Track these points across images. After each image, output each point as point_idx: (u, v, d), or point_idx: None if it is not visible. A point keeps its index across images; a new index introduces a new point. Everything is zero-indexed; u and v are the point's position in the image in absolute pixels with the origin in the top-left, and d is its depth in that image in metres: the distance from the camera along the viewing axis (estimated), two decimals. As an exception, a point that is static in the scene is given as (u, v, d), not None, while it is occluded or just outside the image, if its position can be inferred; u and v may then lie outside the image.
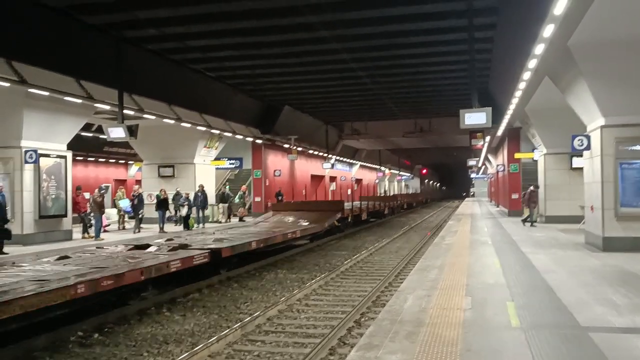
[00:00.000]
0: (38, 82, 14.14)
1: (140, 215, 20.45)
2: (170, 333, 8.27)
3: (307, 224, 20.50)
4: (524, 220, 21.38)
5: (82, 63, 15.47)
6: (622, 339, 5.75)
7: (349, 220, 25.97)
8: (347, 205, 27.49)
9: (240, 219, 26.34)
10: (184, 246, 12.92)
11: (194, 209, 22.65)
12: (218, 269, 12.81)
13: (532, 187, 21.07)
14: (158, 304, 10.09)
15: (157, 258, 11.07)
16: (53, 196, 17.03)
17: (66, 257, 11.21)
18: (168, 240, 14.76)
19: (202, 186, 23.48)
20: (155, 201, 22.19)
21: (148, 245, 12.99)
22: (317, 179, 44.95)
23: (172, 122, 20.62)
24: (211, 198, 25.99)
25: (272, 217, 23.74)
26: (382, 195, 57.69)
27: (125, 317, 9.16)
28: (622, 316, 6.65)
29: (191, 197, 22.65)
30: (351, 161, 52.22)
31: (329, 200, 37.42)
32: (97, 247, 13.65)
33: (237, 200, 27.81)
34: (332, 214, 23.06)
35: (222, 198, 26.74)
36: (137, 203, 20.46)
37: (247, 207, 28.76)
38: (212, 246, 12.99)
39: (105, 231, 19.56)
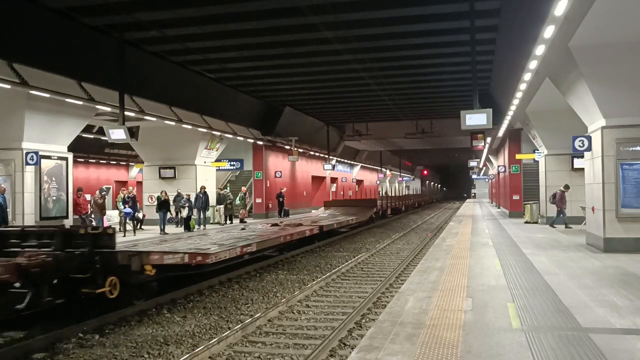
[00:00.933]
0: (39, 83, 14.16)
1: (133, 216, 20.54)
2: (170, 334, 8.26)
3: (355, 216, 27.25)
4: (552, 224, 20.61)
5: (83, 65, 15.50)
6: (623, 341, 5.73)
7: (380, 213, 34.67)
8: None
9: (242, 221, 26.33)
10: (300, 224, 20.62)
11: (195, 211, 22.65)
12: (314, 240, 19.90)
13: (561, 188, 20.52)
14: (158, 305, 10.09)
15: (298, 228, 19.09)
16: (54, 198, 17.05)
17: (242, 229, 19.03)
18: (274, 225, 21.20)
19: (203, 187, 23.47)
20: (156, 203, 22.18)
21: (277, 224, 21.21)
22: (318, 180, 44.95)
23: (173, 123, 20.63)
24: (212, 199, 26.00)
25: (327, 211, 31.11)
26: (394, 195, 60.86)
27: (126, 318, 9.16)
28: (623, 317, 6.64)
29: (192, 199, 22.63)
30: (352, 162, 52.22)
31: (366, 198, 43.74)
32: (241, 229, 19.32)
33: (238, 201, 27.81)
34: (370, 209, 30.96)
35: (218, 199, 26.74)
36: (132, 205, 20.48)
37: (247, 208, 28.75)
38: (321, 223, 21.06)
39: None
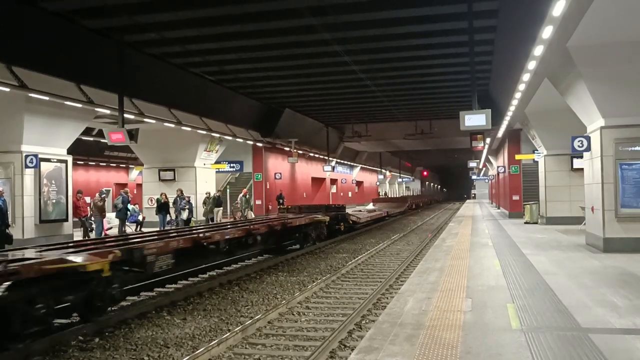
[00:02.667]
0: (38, 86, 14.18)
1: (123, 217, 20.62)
2: (170, 337, 8.26)
3: (396, 209, 41.38)
4: None
5: (82, 67, 15.52)
6: (622, 340, 5.74)
7: (410, 207, 48.13)
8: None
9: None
10: (374, 211, 32.49)
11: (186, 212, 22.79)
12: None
13: None
14: (158, 307, 10.09)
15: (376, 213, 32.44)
16: (53, 201, 17.07)
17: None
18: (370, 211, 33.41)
19: (209, 193, 23.95)
20: (155, 205, 22.19)
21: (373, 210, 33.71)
22: (318, 181, 44.98)
23: (173, 125, 20.65)
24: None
25: (375, 205, 42.93)
26: (414, 195, 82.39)
27: (126, 320, 9.16)
28: (623, 317, 6.65)
29: (193, 201, 22.67)
30: (352, 164, 52.25)
31: (401, 196, 66.44)
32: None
33: (244, 204, 27.90)
34: (404, 204, 46.33)
35: (217, 202, 26.75)
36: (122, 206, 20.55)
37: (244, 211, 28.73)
38: (386, 211, 33.41)
39: (106, 235, 19.57)
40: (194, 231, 13.79)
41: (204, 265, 13.69)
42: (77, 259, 8.19)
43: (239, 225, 16.13)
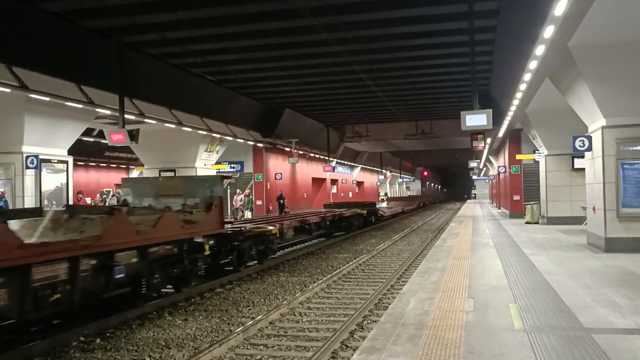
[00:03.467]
0: (39, 87, 14.15)
1: None
2: (172, 337, 8.25)
3: (409, 206, 49.46)
4: None
5: (82, 68, 15.50)
6: (625, 340, 5.73)
7: (420, 205, 57.71)
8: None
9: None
10: (391, 207, 42.61)
11: None
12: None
13: None
14: (159, 308, 10.07)
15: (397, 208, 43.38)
16: (54, 202, 17.02)
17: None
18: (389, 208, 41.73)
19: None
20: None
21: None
22: (318, 181, 44.96)
23: (173, 126, 20.63)
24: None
25: (390, 203, 51.24)
26: (421, 195, 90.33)
27: (127, 321, 9.14)
28: (625, 317, 6.63)
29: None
30: (352, 164, 52.24)
31: (413, 196, 79.84)
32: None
33: (247, 204, 27.87)
34: (415, 202, 55.40)
35: None
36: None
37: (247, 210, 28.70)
38: (402, 207, 45.22)
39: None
40: (298, 216, 21.56)
41: (302, 238, 20.85)
42: (269, 227, 15.11)
43: (317, 214, 23.25)
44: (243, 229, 13.87)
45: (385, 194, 71.45)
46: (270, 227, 15.10)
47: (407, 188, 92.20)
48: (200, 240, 11.30)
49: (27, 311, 7.06)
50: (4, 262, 6.46)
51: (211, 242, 11.77)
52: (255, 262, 14.56)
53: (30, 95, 14.24)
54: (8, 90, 13.36)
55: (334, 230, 23.85)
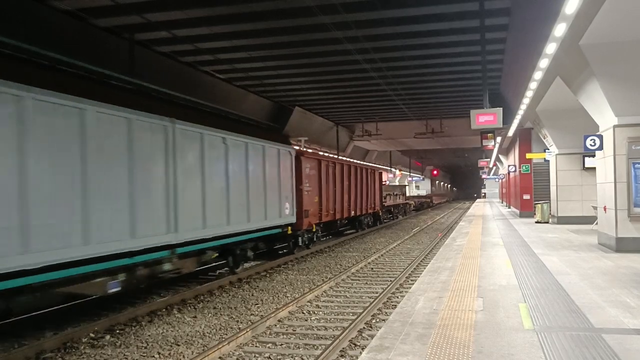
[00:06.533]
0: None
1: None
2: (181, 334, 8.29)
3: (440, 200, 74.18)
4: None
5: (94, 65, 15.55)
6: (636, 341, 5.68)
7: (448, 200, 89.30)
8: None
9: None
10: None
11: None
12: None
13: None
14: (169, 305, 10.13)
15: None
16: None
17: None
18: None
19: None
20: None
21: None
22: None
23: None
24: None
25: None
26: (442, 193, 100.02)
27: (136, 318, 9.20)
28: (636, 318, 6.58)
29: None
30: (362, 163, 52.17)
31: (442, 193, 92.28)
32: None
33: None
34: (445, 197, 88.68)
35: None
36: None
37: None
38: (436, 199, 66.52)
39: None
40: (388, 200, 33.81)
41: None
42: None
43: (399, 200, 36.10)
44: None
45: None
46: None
47: (417, 187, 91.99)
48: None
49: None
50: None
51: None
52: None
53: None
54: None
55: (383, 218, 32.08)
